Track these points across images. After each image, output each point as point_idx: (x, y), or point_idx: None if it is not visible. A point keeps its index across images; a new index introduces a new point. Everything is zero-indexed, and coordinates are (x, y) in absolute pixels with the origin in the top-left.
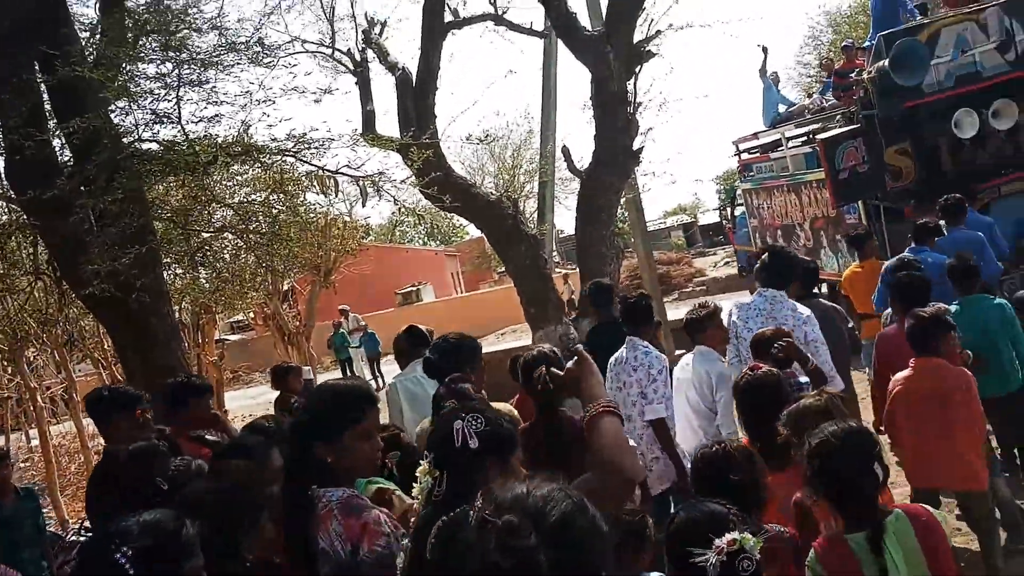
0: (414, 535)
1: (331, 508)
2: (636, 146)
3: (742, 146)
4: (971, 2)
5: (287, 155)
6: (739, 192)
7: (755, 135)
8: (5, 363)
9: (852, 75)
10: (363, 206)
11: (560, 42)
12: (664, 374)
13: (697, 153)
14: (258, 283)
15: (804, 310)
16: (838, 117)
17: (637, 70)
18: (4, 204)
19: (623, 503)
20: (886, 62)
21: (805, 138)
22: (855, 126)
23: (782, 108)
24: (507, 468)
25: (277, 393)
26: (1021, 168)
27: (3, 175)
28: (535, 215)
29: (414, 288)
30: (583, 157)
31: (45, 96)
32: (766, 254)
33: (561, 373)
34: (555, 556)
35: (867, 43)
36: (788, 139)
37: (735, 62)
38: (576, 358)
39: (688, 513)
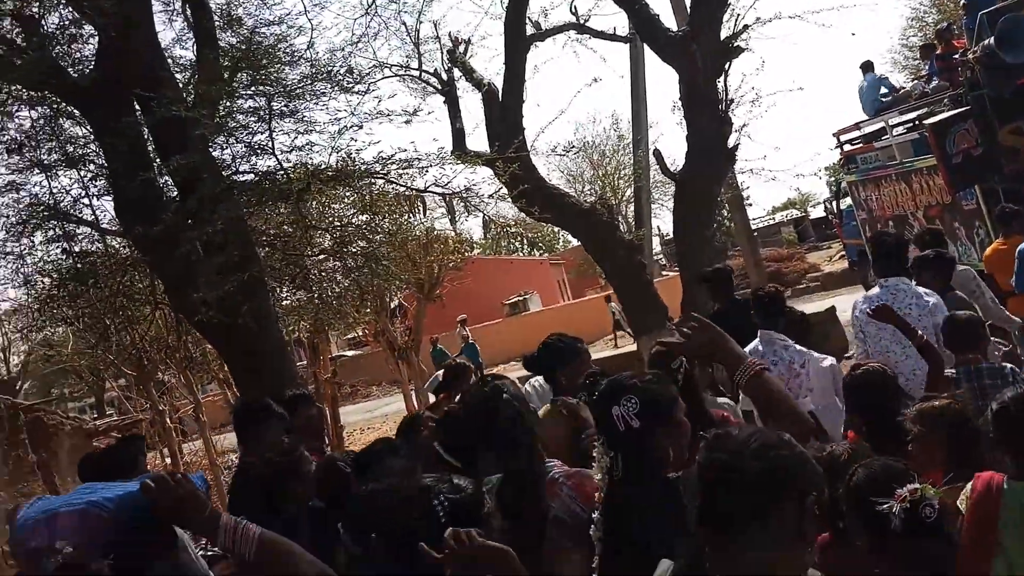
0: (605, 509)
1: (556, 478)
2: (731, 144)
3: (844, 137)
4: None
5: (376, 177)
6: (844, 185)
7: (857, 125)
8: (137, 388)
9: (956, 57)
10: (451, 223)
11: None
12: (807, 367)
13: (798, 147)
14: (363, 302)
15: (931, 297)
16: (946, 100)
17: (726, 67)
18: (121, 240)
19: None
20: (991, 40)
21: (912, 125)
22: (964, 108)
23: (884, 91)
24: (674, 429)
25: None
26: None
27: (115, 213)
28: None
29: (521, 298)
30: (676, 159)
31: (147, 136)
32: (871, 244)
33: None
34: (759, 468)
35: (965, 25)
36: (893, 127)
37: (830, 51)
38: (694, 322)
39: (868, 468)
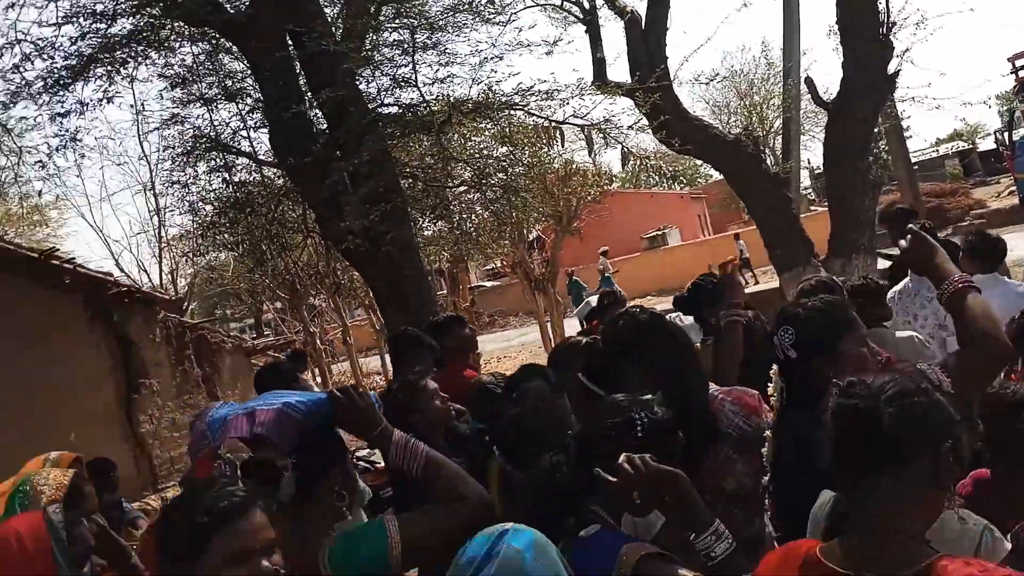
0: (775, 431)
1: (715, 395)
2: (891, 70)
3: (1020, 62)
4: None
5: (515, 109)
6: (1018, 115)
7: None
8: (291, 311)
9: None
10: (590, 155)
11: None
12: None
13: (966, 73)
14: (501, 234)
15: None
16: None
17: None
18: (276, 171)
19: (996, 375)
20: None
21: None
22: None
23: None
24: (836, 359)
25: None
26: None
27: (269, 144)
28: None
29: (660, 232)
30: (829, 87)
31: (299, 70)
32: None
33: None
34: (894, 415)
35: None
36: None
37: None
38: (912, 236)
39: None
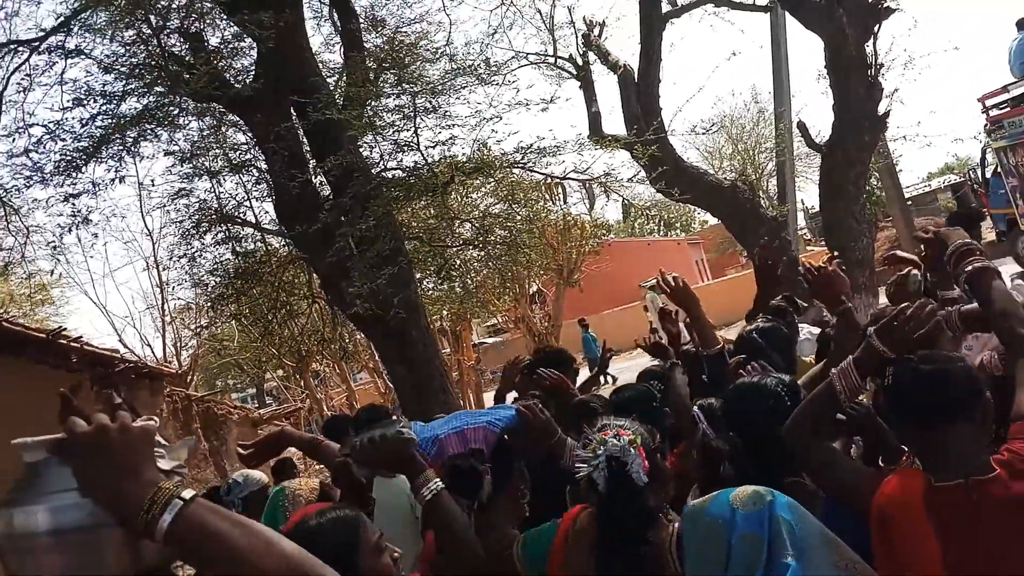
0: None
1: None
2: (881, 111)
3: (990, 102)
4: None
5: (516, 166)
6: (990, 152)
7: (1005, 88)
8: (296, 377)
9: None
10: (590, 208)
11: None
12: None
13: (955, 110)
14: (504, 289)
15: None
16: None
17: (876, 29)
18: (281, 240)
19: None
20: None
21: None
22: None
23: None
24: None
25: None
26: None
27: (275, 214)
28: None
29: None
30: (821, 130)
31: (303, 138)
32: None
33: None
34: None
35: None
36: None
37: (991, 4)
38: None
39: None
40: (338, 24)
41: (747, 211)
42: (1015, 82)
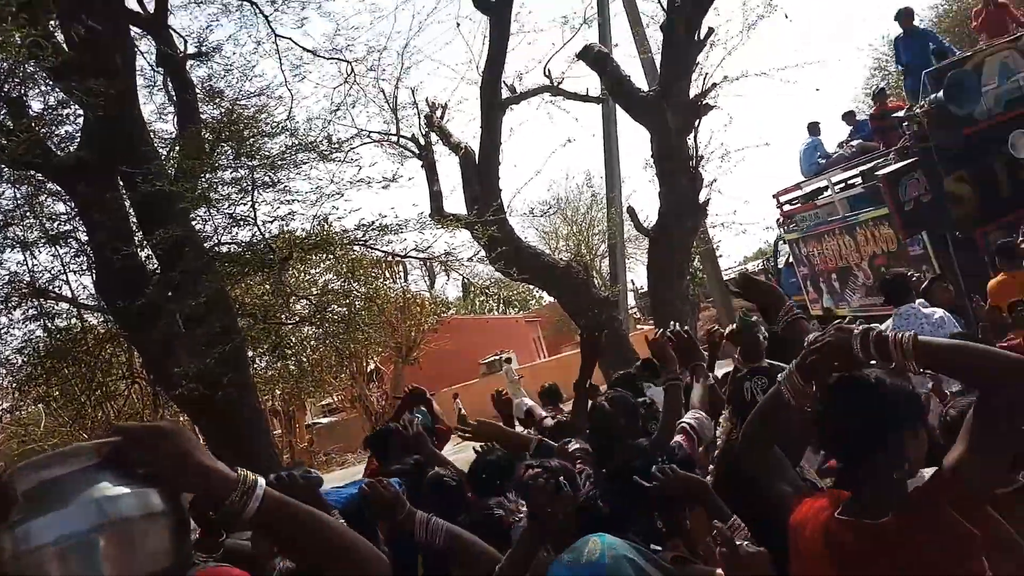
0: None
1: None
2: (702, 199)
3: (784, 198)
4: (1005, 31)
5: (357, 244)
6: (781, 244)
7: (798, 186)
8: None
9: (895, 115)
10: (430, 287)
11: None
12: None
13: (766, 200)
14: (341, 368)
15: (937, 312)
16: (892, 154)
17: (696, 124)
18: (100, 316)
19: None
20: (940, 94)
21: (860, 178)
22: (913, 159)
23: (819, 155)
24: None
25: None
26: None
27: (95, 288)
28: (610, 276)
29: (497, 357)
30: (649, 215)
31: (130, 211)
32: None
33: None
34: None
35: (906, 86)
36: (835, 184)
37: (800, 103)
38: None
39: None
40: (173, 94)
41: (581, 291)
42: (805, 181)
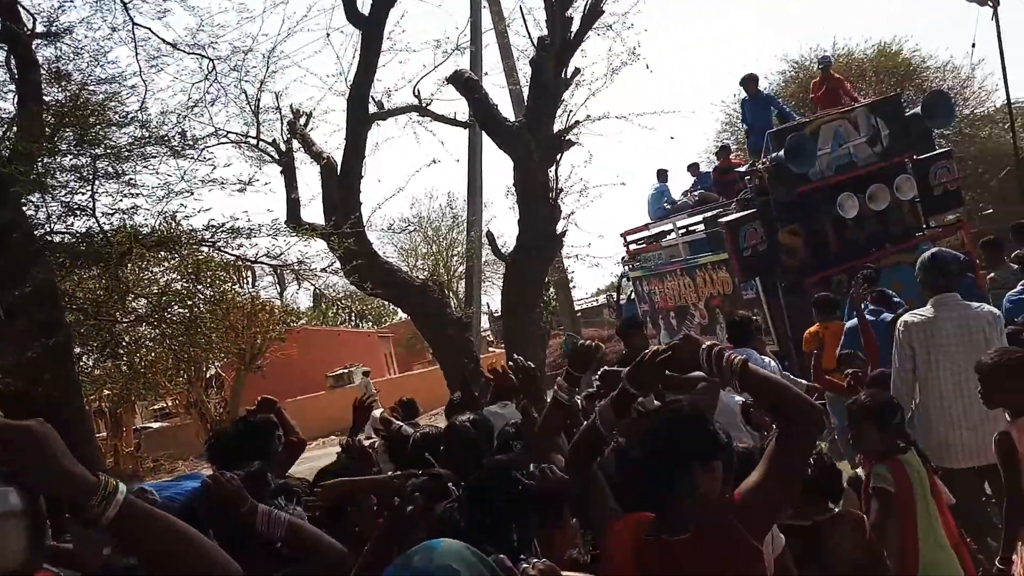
0: None
1: None
2: (559, 231)
3: (631, 237)
4: (839, 104)
5: (204, 244)
6: (624, 281)
7: (646, 226)
8: None
9: (736, 170)
10: (280, 295)
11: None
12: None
13: (618, 237)
14: (178, 371)
15: (772, 361)
16: (733, 204)
17: (558, 158)
18: None
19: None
20: (781, 153)
21: (703, 224)
22: (753, 210)
23: (666, 200)
24: None
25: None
26: (897, 241)
27: None
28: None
29: (346, 370)
30: (507, 241)
31: None
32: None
33: None
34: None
35: (749, 144)
36: (680, 228)
37: (655, 149)
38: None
39: None
40: (15, 72)
41: (435, 310)
42: (652, 223)
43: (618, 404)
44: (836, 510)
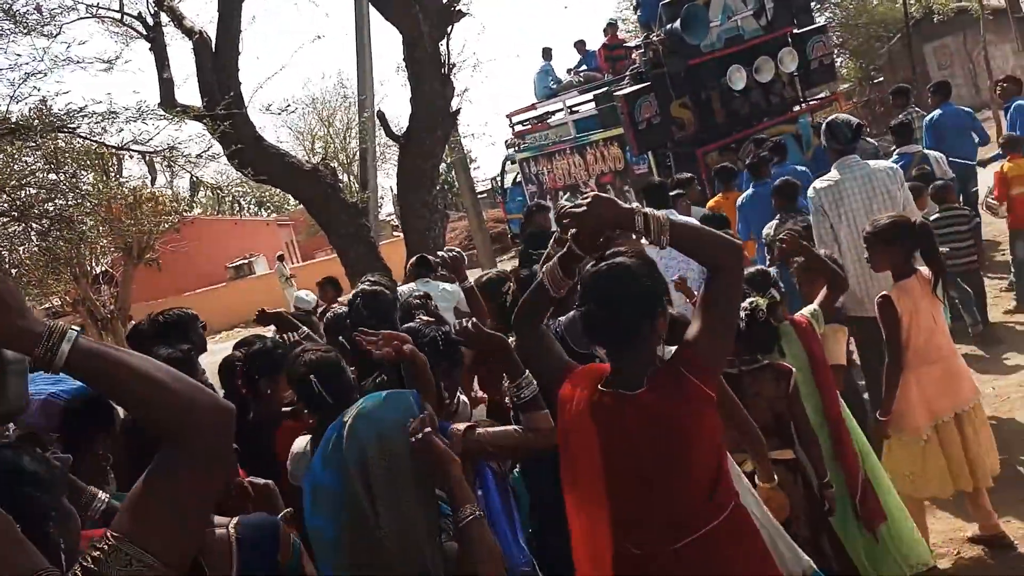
0: None
1: None
2: (453, 107)
3: (517, 118)
4: None
5: (64, 131)
6: (509, 164)
7: (533, 106)
8: None
9: (626, 45)
10: (151, 183)
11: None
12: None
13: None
14: (57, 269)
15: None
16: (627, 79)
17: (449, 30)
18: None
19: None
20: (677, 24)
21: (593, 102)
22: (647, 84)
23: (551, 80)
24: None
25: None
26: (777, 114)
27: None
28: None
29: (246, 261)
30: (400, 122)
31: None
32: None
33: None
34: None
35: (639, 19)
36: (569, 107)
37: (551, 21)
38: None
39: None
40: None
41: (328, 195)
42: (541, 103)
43: (564, 263)
44: (765, 361)
